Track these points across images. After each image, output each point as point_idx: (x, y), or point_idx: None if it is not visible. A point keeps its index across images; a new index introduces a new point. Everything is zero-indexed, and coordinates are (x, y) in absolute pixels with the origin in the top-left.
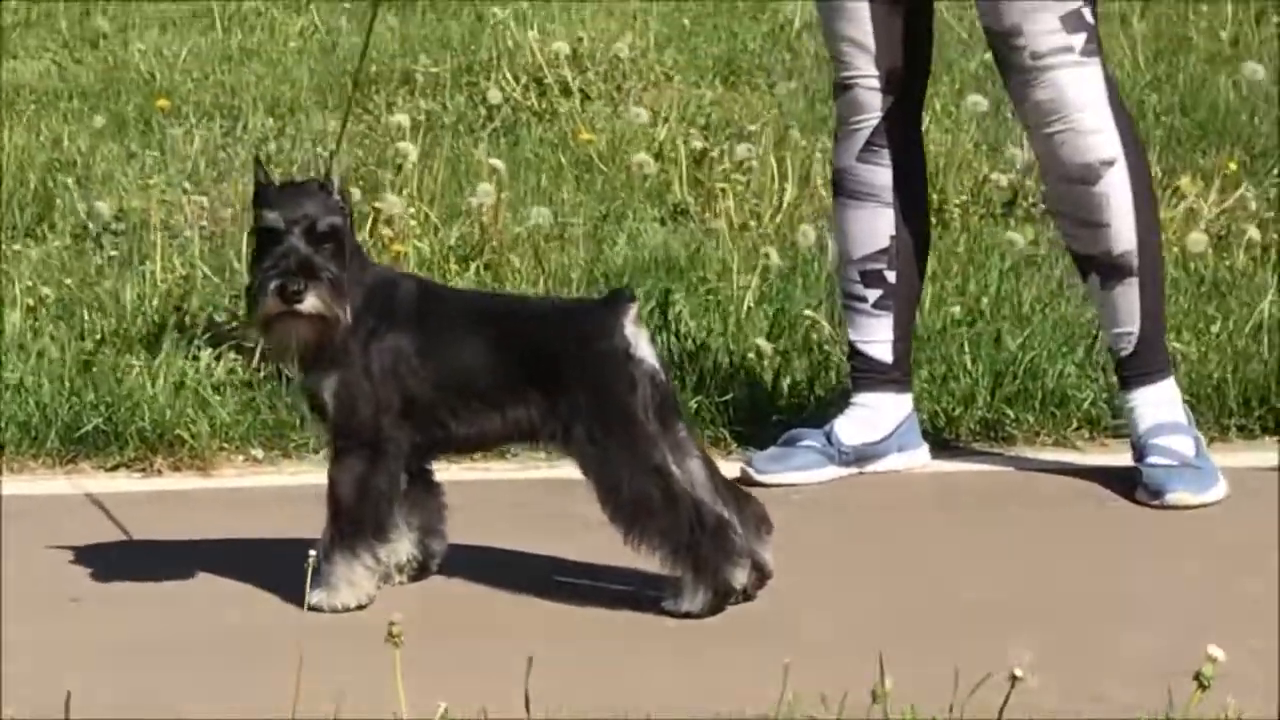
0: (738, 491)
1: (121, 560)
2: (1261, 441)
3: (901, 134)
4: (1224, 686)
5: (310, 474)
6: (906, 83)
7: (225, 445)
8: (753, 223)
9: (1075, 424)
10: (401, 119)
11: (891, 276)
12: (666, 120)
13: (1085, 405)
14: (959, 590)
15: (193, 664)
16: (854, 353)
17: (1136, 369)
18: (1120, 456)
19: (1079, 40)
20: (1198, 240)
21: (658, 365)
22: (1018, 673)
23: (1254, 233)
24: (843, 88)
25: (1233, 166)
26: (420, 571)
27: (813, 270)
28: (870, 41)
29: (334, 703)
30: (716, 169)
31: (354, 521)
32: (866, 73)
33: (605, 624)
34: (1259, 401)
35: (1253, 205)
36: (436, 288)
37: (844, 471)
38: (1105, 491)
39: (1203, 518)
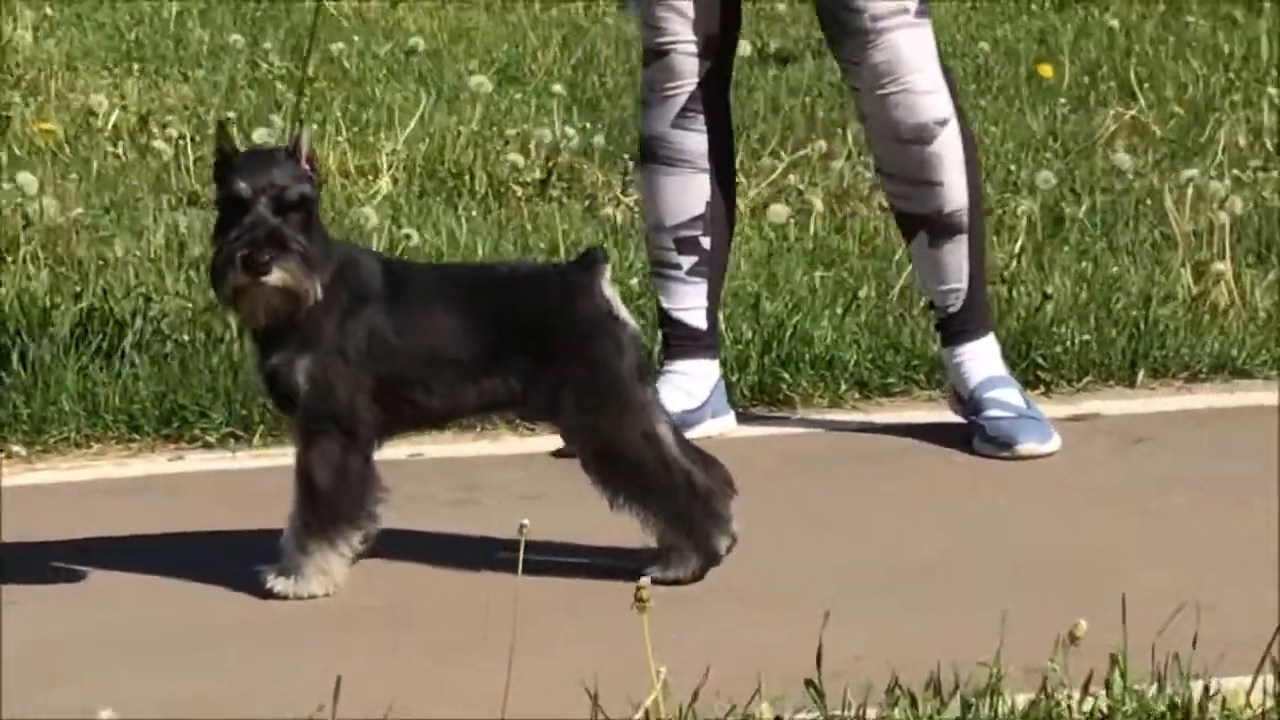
0: (704, 455)
1: (17, 562)
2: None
3: (713, 99)
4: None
5: (85, 469)
6: (720, 47)
7: None
8: None
9: (844, 385)
10: None
11: (706, 243)
12: (124, 107)
13: (851, 366)
14: (886, 546)
15: (183, 657)
16: (668, 320)
17: (963, 325)
18: (898, 415)
19: (913, 2)
20: (778, 212)
21: (636, 327)
22: None
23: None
24: (658, 53)
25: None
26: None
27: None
28: (689, 7)
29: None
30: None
31: (330, 508)
32: (684, 38)
33: (594, 595)
34: (1019, 356)
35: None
36: (399, 262)
37: None
38: (933, 446)
39: (1050, 466)
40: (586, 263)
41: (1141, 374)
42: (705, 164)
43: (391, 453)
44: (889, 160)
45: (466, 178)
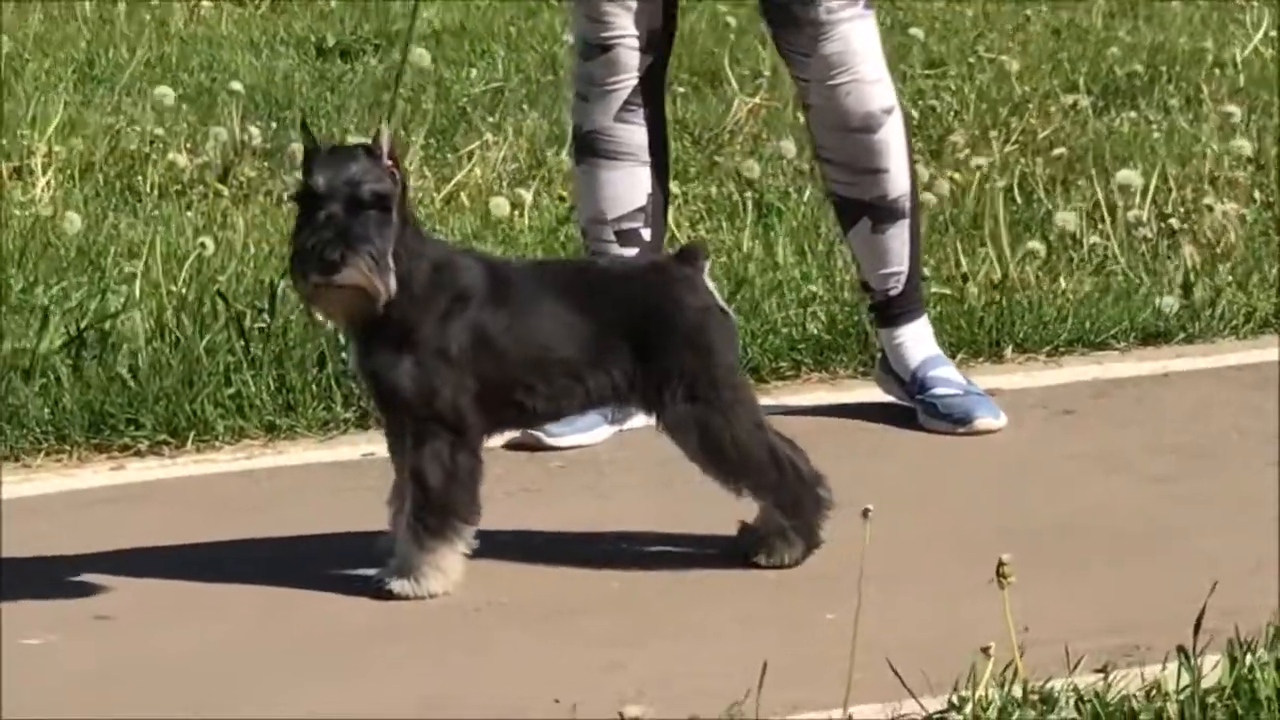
0: (793, 443)
1: (86, 573)
2: None
3: (653, 92)
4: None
5: (30, 483)
6: (660, 40)
7: None
8: None
9: None
10: None
11: (648, 235)
12: None
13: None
14: (910, 522)
15: (340, 664)
16: None
17: (903, 307)
18: (799, 397)
19: None
20: (500, 204)
21: (736, 319)
22: None
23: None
24: (602, 48)
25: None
26: None
27: None
28: (633, 1)
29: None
30: None
31: (446, 507)
32: (629, 32)
33: (707, 585)
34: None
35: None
36: (499, 260)
37: (613, 430)
38: (873, 425)
39: (1010, 440)
40: (688, 256)
41: (1010, 349)
42: (646, 156)
43: (347, 452)
44: (835, 149)
45: (139, 178)
